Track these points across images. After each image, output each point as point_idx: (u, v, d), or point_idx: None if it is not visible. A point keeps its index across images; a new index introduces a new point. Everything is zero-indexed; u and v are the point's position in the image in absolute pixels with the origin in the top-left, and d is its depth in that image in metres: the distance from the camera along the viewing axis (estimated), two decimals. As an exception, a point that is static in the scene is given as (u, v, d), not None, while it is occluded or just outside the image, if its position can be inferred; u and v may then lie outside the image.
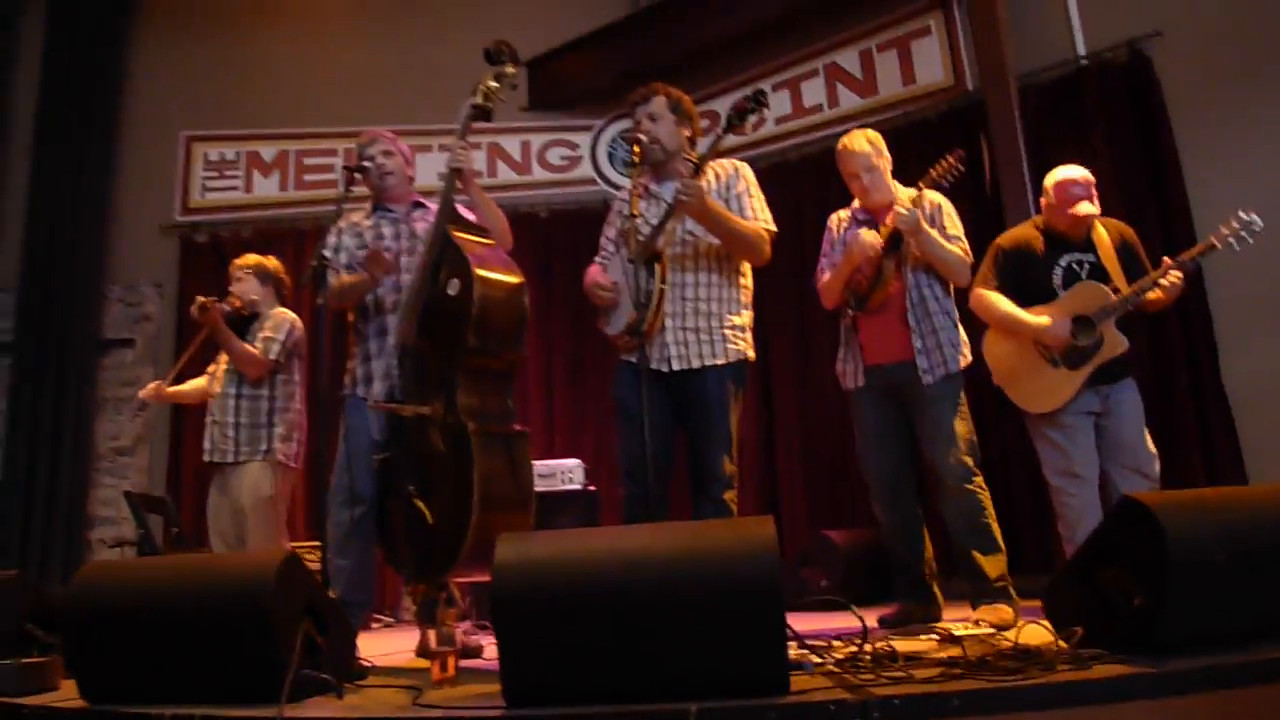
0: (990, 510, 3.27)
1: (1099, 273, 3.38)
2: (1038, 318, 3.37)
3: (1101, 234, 3.43)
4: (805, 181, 5.64)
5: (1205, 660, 1.73)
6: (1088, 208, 3.36)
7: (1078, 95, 4.86)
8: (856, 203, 3.57)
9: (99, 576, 2.19)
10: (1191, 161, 4.50)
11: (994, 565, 3.20)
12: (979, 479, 3.29)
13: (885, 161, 3.49)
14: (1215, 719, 1.66)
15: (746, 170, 3.21)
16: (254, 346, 3.89)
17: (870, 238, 3.30)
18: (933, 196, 3.42)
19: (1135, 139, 4.65)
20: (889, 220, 3.36)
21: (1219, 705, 1.67)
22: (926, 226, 3.24)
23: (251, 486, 3.80)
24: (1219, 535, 1.87)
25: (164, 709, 1.93)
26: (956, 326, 3.40)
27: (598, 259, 3.29)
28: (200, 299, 3.83)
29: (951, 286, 3.43)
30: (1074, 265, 3.41)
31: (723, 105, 6.21)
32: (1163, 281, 3.25)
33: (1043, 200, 3.55)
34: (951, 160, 3.32)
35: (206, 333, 3.93)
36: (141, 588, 2.10)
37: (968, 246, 3.39)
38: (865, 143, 3.48)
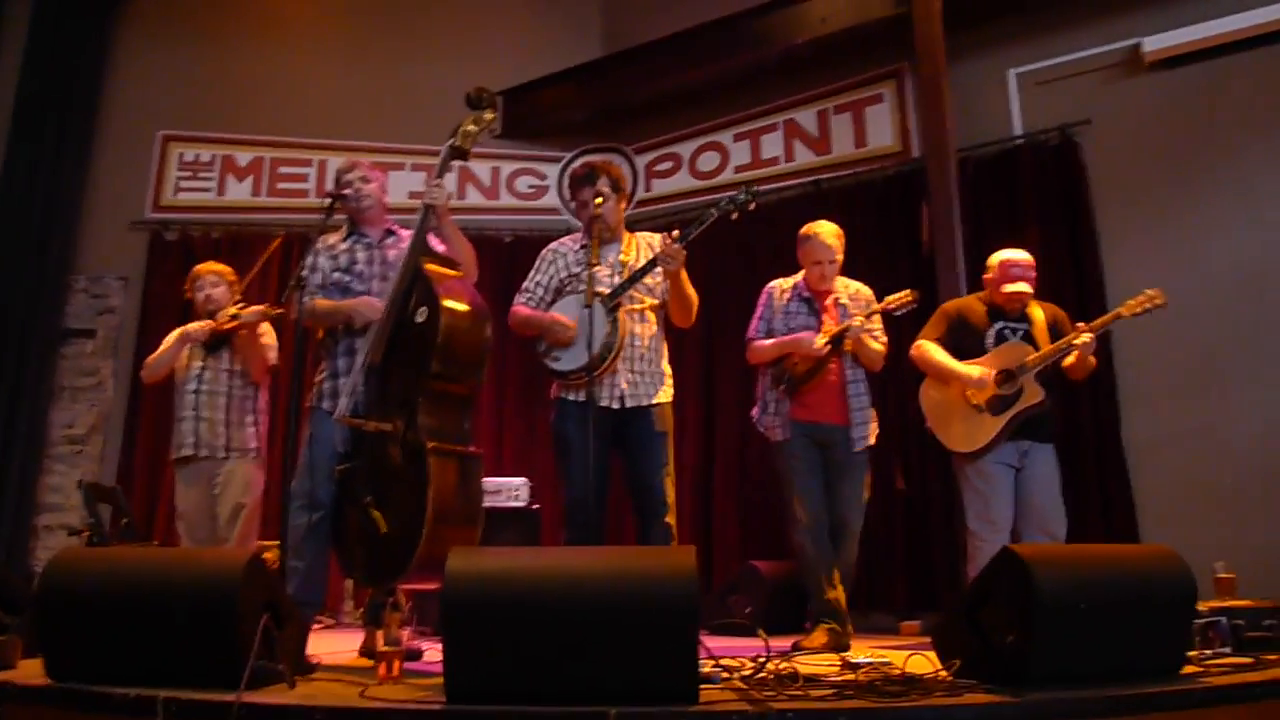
0: None
1: (1029, 340, 3.74)
2: (967, 367, 3.72)
3: (1036, 312, 3.82)
4: (759, 229, 5.87)
5: (1062, 693, 1.97)
6: (1021, 286, 3.79)
7: (1013, 171, 5.20)
8: (800, 278, 4.01)
9: (74, 561, 2.32)
10: (1109, 241, 4.87)
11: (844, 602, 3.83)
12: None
13: (841, 259, 3.98)
14: (1064, 745, 1.90)
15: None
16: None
17: (819, 343, 3.80)
18: (866, 291, 4.02)
19: (1060, 216, 5.00)
20: (830, 305, 3.95)
21: (1068, 734, 1.91)
22: (867, 339, 3.85)
23: (246, 485, 3.98)
24: (1083, 586, 2.12)
25: (128, 689, 2.08)
26: (872, 408, 3.91)
27: (523, 300, 3.57)
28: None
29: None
30: (1006, 330, 3.80)
31: (686, 149, 6.50)
32: (1075, 342, 3.59)
33: (985, 275, 3.93)
34: (910, 298, 3.92)
35: (222, 327, 4.06)
36: (115, 574, 2.24)
37: (885, 340, 3.95)
38: (835, 239, 3.95)
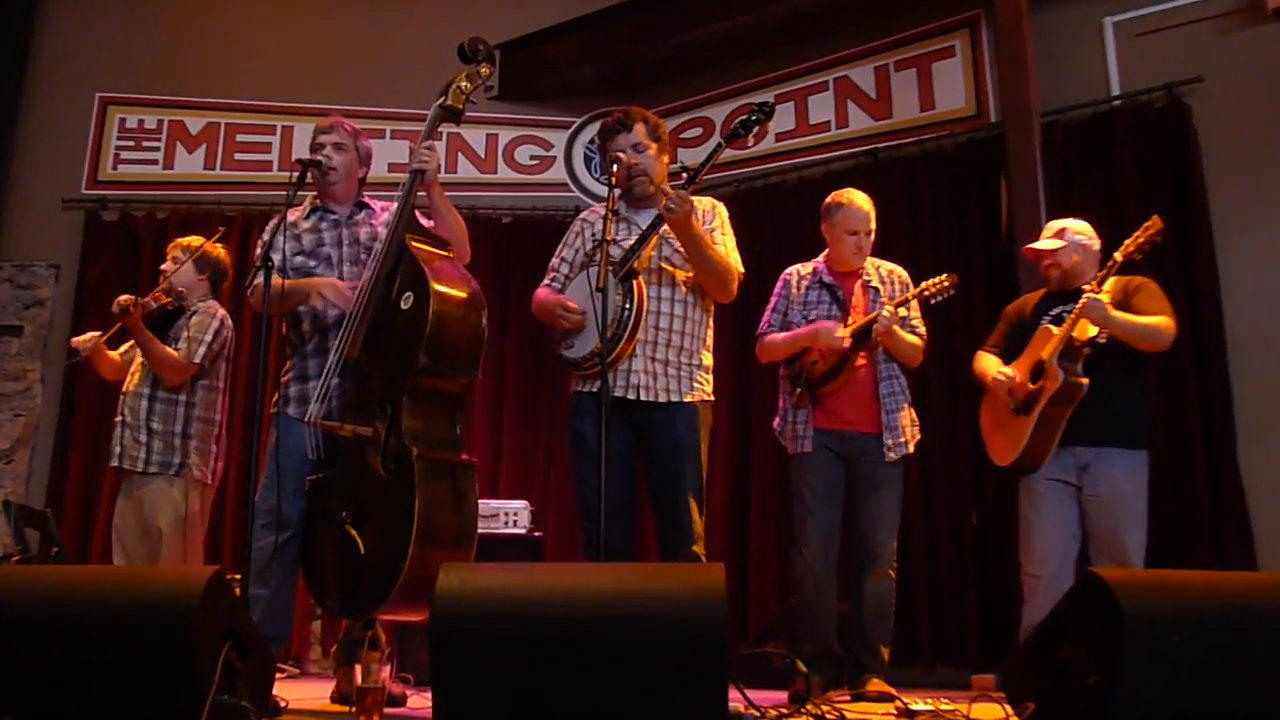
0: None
1: None
2: (994, 370, 3.81)
3: (1106, 286, 3.73)
4: (805, 207, 5.92)
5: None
6: (1045, 243, 3.92)
7: (1110, 137, 5.24)
8: (822, 260, 4.11)
9: (3, 581, 2.43)
10: (1222, 220, 4.89)
11: (887, 651, 3.81)
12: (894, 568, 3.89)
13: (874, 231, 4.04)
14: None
15: (723, 210, 3.57)
16: (175, 349, 4.07)
17: (841, 334, 3.82)
18: (902, 274, 4.05)
19: (1166, 191, 5.01)
20: (858, 290, 4.00)
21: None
22: (899, 330, 3.83)
23: (167, 506, 4.02)
24: (1178, 615, 2.17)
25: (69, 730, 2.17)
26: (912, 407, 3.96)
27: (547, 281, 3.60)
28: (122, 299, 3.99)
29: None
30: (1063, 314, 3.73)
31: (718, 113, 6.58)
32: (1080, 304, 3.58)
33: None
34: (948, 283, 3.88)
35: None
36: (52, 595, 2.33)
37: (924, 331, 3.97)
38: (870, 206, 4.03)
